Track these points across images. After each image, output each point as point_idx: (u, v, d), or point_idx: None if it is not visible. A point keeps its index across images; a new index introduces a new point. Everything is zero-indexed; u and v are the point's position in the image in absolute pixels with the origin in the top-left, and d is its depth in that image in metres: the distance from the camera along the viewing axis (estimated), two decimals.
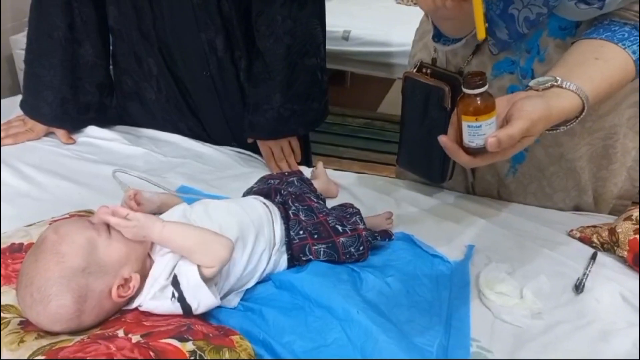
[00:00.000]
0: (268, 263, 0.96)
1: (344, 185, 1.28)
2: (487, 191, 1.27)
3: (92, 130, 1.46)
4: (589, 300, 0.96)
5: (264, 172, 1.27)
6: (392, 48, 2.84)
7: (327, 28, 1.38)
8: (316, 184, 1.18)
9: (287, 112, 1.34)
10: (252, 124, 1.37)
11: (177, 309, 0.83)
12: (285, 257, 0.99)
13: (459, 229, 1.14)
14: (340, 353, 0.81)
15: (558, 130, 0.87)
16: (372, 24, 2.95)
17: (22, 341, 0.76)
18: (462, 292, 0.96)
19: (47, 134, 1.43)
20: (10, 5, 2.32)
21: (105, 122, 1.48)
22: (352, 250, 0.99)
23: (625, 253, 1.04)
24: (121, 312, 0.85)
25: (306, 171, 1.30)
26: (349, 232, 1.00)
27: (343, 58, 2.93)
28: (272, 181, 1.14)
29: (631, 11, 0.90)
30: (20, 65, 2.24)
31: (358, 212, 1.06)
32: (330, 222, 1.01)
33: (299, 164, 1.42)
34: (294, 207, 1.03)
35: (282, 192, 1.08)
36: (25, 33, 1.50)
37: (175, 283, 0.82)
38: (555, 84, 0.83)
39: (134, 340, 0.74)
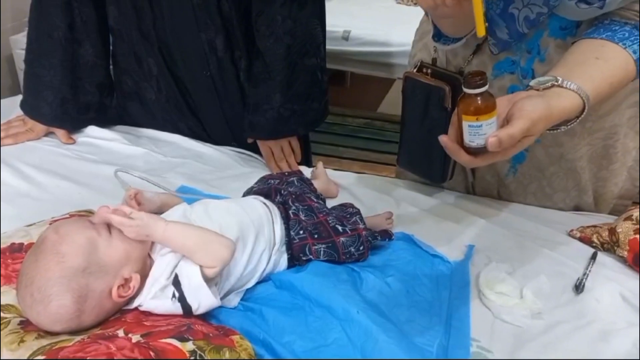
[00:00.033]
0: (268, 263, 0.96)
1: (344, 185, 1.28)
2: (487, 191, 1.27)
3: (92, 130, 1.46)
4: (589, 300, 0.96)
5: (264, 172, 1.27)
6: (392, 48, 2.84)
7: (327, 28, 1.38)
8: (316, 184, 1.18)
9: (287, 112, 1.34)
10: (252, 124, 1.37)
11: (177, 309, 0.83)
12: (285, 257, 0.99)
13: (459, 229, 1.14)
14: (340, 353, 0.81)
15: (559, 130, 0.87)
16: (372, 24, 2.95)
17: (22, 341, 0.76)
18: (462, 292, 0.96)
19: (47, 134, 1.43)
20: (10, 5, 2.32)
21: (105, 122, 1.48)
22: (352, 250, 0.99)
23: (626, 253, 1.04)
24: (121, 312, 0.85)
25: (306, 171, 1.30)
26: (349, 232, 1.00)
27: (343, 58, 2.93)
28: (272, 181, 1.14)
29: (632, 11, 0.90)
30: (20, 65, 2.24)
31: (358, 212, 1.06)
32: (330, 222, 1.01)
33: (299, 164, 1.42)
34: (294, 207, 1.03)
35: (282, 192, 1.08)
36: (25, 33, 1.50)
37: (176, 283, 0.82)
38: (556, 83, 0.83)
39: (134, 340, 0.74)
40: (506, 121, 0.79)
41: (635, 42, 0.88)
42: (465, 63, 1.10)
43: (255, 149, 1.43)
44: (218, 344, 0.75)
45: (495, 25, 0.99)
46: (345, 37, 2.89)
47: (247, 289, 0.94)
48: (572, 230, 1.13)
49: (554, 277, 0.99)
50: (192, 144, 1.45)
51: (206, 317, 0.86)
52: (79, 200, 1.15)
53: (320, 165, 1.28)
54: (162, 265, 0.84)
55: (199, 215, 0.93)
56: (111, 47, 1.45)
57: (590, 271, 1.01)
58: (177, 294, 0.82)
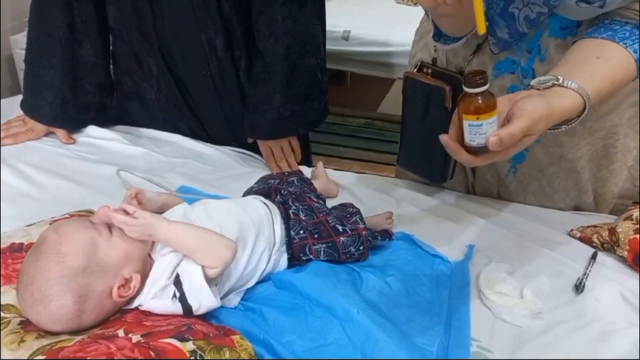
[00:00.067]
0: (268, 263, 0.96)
1: (344, 185, 1.28)
2: (487, 191, 1.27)
3: (92, 130, 1.46)
4: (589, 300, 0.96)
5: (264, 172, 1.27)
6: (392, 48, 2.84)
7: (327, 28, 1.38)
8: (316, 183, 1.18)
9: (287, 112, 1.34)
10: (252, 124, 1.37)
11: (177, 309, 0.83)
12: (285, 257, 0.99)
13: (459, 228, 1.14)
14: (340, 353, 0.81)
15: (559, 130, 0.87)
16: (372, 24, 2.95)
17: (22, 341, 0.76)
18: (462, 292, 0.96)
19: (47, 134, 1.43)
20: (10, 5, 2.32)
21: (105, 122, 1.48)
22: (352, 249, 0.98)
23: (626, 253, 1.04)
24: (121, 312, 0.85)
25: (306, 171, 1.30)
26: (349, 232, 1.00)
27: (343, 58, 2.93)
28: (272, 181, 1.14)
29: (632, 10, 0.90)
30: (20, 65, 2.24)
31: (358, 212, 1.06)
32: (330, 221, 1.01)
33: (299, 163, 1.42)
34: (294, 207, 1.03)
35: (282, 191, 1.08)
36: (25, 33, 1.50)
37: (178, 283, 0.82)
38: (557, 82, 0.83)
39: (134, 340, 0.74)
40: (507, 120, 0.79)
41: (635, 41, 0.88)
42: (466, 63, 1.10)
43: (255, 149, 1.43)
44: (218, 343, 0.75)
45: (496, 24, 0.99)
46: (345, 37, 2.89)
47: (247, 289, 0.94)
48: (572, 230, 1.13)
49: (554, 277, 0.99)
50: (192, 144, 1.45)
51: (206, 317, 0.86)
52: (79, 200, 1.15)
53: (320, 165, 1.28)
54: (162, 265, 0.84)
55: (199, 215, 0.93)
56: (111, 47, 1.45)
57: (590, 271, 1.01)
58: (177, 294, 0.82)
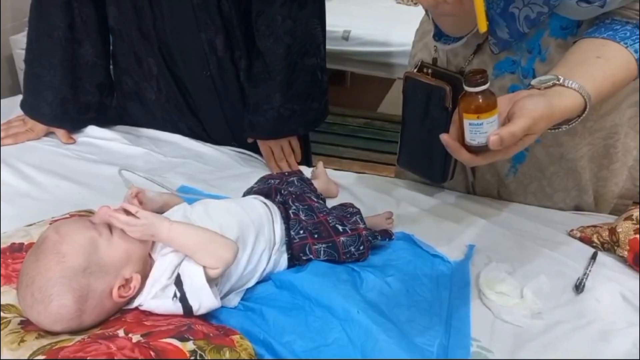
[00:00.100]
0: (268, 263, 0.96)
1: (344, 185, 1.28)
2: (487, 191, 1.27)
3: (92, 130, 1.46)
4: (589, 300, 0.96)
5: (264, 172, 1.27)
6: (392, 48, 2.84)
7: (327, 28, 1.38)
8: (316, 183, 1.18)
9: (287, 112, 1.34)
10: (252, 124, 1.37)
11: (177, 309, 0.83)
12: (285, 257, 0.99)
13: (459, 228, 1.14)
14: (340, 353, 0.81)
15: (560, 129, 0.87)
16: (372, 24, 2.95)
17: (22, 341, 0.76)
18: (462, 292, 0.96)
19: (47, 134, 1.43)
20: (10, 5, 2.32)
21: (105, 122, 1.48)
22: (353, 249, 0.98)
23: (626, 253, 1.04)
24: (121, 312, 0.85)
25: (306, 171, 1.30)
26: (349, 232, 1.00)
27: (343, 58, 2.93)
28: (272, 181, 1.14)
29: (632, 10, 0.90)
30: (20, 65, 2.24)
31: (358, 212, 1.06)
32: (330, 221, 1.01)
33: (299, 163, 1.42)
34: (294, 207, 1.03)
35: (283, 191, 1.08)
36: (25, 33, 1.50)
37: (178, 283, 0.82)
38: (557, 82, 0.83)
39: (134, 340, 0.74)
40: (507, 120, 0.79)
41: (636, 41, 0.88)
42: (466, 63, 1.10)
43: (255, 149, 1.43)
44: (218, 343, 0.75)
45: (496, 24, 0.99)
46: (345, 37, 2.89)
47: (247, 289, 0.94)
48: (572, 230, 1.13)
49: (554, 277, 0.99)
50: (192, 144, 1.45)
51: (206, 316, 0.86)
52: (79, 200, 1.15)
53: (320, 165, 1.28)
54: (163, 265, 0.84)
55: (199, 215, 0.93)
56: (111, 47, 1.45)
57: (590, 271, 1.01)
58: (178, 294, 0.82)
